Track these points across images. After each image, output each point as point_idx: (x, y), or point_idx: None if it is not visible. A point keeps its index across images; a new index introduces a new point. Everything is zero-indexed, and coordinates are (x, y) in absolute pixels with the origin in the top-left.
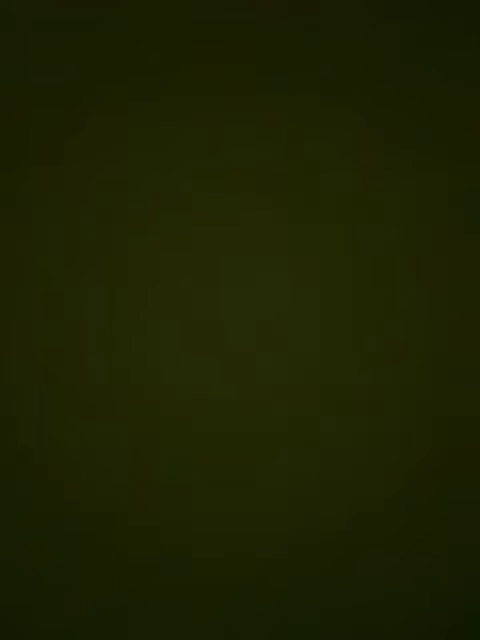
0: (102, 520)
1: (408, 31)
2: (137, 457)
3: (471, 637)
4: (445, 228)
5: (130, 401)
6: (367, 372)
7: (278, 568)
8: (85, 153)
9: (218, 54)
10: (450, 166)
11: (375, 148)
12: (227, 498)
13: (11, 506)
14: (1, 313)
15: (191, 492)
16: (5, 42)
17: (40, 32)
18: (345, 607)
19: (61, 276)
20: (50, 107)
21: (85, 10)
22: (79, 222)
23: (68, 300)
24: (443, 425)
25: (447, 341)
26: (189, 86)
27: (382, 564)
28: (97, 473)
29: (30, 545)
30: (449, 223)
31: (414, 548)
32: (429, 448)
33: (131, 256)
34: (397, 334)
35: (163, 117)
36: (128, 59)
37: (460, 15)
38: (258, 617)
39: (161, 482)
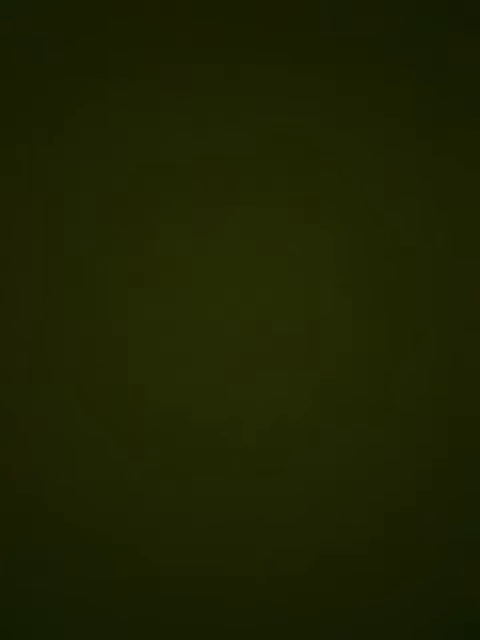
0: (89, 537)
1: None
2: (127, 470)
3: None
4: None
5: (120, 411)
6: (377, 375)
7: (280, 587)
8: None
9: (215, 30)
10: (457, 146)
11: (376, 128)
12: (224, 512)
13: None
14: None
15: (189, 506)
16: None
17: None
18: (355, 622)
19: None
20: (34, 93)
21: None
22: (71, 222)
23: (55, 303)
24: (460, 427)
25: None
26: (186, 62)
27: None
28: (91, 492)
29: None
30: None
31: (434, 555)
32: (446, 450)
33: (116, 253)
34: (406, 332)
35: (164, 99)
36: (128, 55)
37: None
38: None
39: (155, 499)
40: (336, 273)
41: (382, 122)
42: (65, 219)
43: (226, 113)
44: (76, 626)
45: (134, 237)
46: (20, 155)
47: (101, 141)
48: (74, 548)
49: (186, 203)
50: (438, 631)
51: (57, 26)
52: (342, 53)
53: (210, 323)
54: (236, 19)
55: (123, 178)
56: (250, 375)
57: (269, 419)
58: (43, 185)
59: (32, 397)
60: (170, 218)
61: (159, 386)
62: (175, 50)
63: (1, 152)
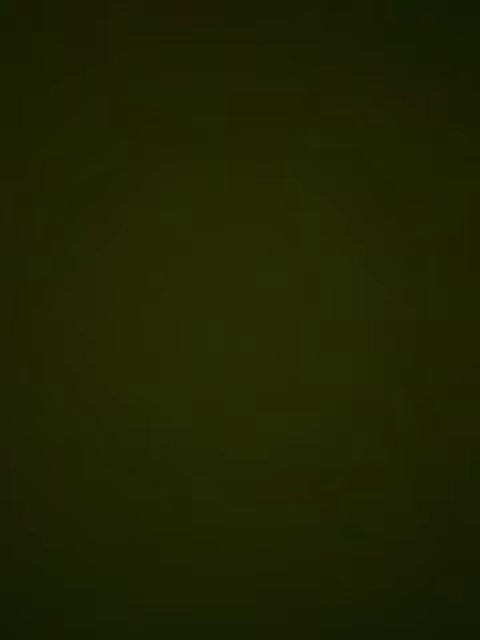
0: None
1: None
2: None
3: None
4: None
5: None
6: (379, 369)
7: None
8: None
9: (215, 25)
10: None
11: (391, 113)
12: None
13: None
14: None
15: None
16: None
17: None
18: None
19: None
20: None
21: None
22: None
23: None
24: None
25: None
26: (186, 60)
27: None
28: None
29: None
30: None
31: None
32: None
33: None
34: (419, 339)
35: (164, 98)
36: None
37: None
38: None
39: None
40: (341, 282)
41: (387, 117)
42: (64, 220)
43: (227, 112)
44: None
45: (133, 243)
46: (19, 155)
47: (100, 141)
48: (57, 577)
49: (186, 203)
50: None
51: (55, 25)
52: (344, 48)
53: (211, 338)
54: (237, 13)
55: (123, 178)
56: (251, 392)
57: (265, 450)
58: (41, 186)
59: (25, 408)
60: (169, 219)
61: (154, 398)
62: (174, 46)
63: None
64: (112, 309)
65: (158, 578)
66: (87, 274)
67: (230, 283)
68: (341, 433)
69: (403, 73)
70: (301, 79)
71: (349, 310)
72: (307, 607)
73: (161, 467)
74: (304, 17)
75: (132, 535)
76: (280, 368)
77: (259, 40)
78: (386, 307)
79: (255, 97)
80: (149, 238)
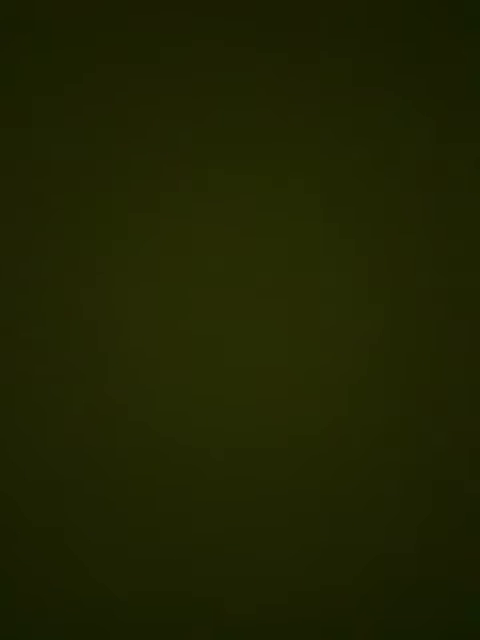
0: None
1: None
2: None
3: None
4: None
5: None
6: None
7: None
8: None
9: (212, 19)
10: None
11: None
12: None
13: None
14: None
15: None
16: None
17: None
18: None
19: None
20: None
21: None
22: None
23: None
24: (444, 489)
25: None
26: (190, 40)
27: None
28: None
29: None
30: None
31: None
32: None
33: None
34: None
35: (163, 98)
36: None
37: None
38: None
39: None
40: (339, 276)
41: (388, 119)
42: (65, 224)
43: (227, 109)
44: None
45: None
46: (19, 154)
47: (101, 140)
48: (56, 577)
49: (187, 208)
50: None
51: (52, 19)
52: (343, 49)
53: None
54: (236, 10)
55: (123, 182)
56: (250, 392)
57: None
58: (43, 186)
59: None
60: (170, 223)
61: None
62: (172, 39)
63: (0, 150)
64: (112, 310)
65: (158, 578)
66: (87, 276)
67: (230, 287)
68: (342, 433)
69: (403, 73)
70: (303, 82)
71: (349, 311)
72: (307, 607)
73: (161, 467)
74: (304, 18)
75: (132, 534)
76: (280, 368)
77: (260, 41)
78: (386, 310)
79: (257, 99)
80: (150, 242)
